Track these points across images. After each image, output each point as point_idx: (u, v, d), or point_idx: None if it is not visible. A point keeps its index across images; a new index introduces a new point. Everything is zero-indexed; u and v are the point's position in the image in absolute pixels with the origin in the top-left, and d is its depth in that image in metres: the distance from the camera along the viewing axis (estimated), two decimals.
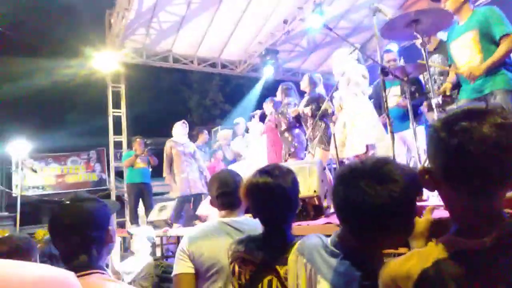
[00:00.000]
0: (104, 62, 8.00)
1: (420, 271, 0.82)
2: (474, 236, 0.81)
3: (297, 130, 4.84)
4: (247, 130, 6.80)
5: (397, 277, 0.85)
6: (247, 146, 6.46)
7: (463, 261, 0.80)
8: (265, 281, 1.46)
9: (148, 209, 6.47)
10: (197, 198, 5.80)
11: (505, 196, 0.85)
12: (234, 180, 1.97)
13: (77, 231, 1.33)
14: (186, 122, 6.02)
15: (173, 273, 1.86)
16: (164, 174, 5.77)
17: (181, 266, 1.83)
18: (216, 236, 1.84)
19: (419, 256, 0.86)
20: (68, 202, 1.42)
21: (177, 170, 5.66)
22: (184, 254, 1.85)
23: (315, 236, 1.30)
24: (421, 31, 2.65)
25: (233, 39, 8.53)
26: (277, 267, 1.44)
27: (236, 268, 1.55)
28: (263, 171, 1.54)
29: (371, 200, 1.00)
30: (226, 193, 1.93)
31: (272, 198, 1.48)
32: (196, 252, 1.82)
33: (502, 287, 0.76)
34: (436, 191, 0.94)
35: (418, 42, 3.01)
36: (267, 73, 8.49)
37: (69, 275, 0.77)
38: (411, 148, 4.00)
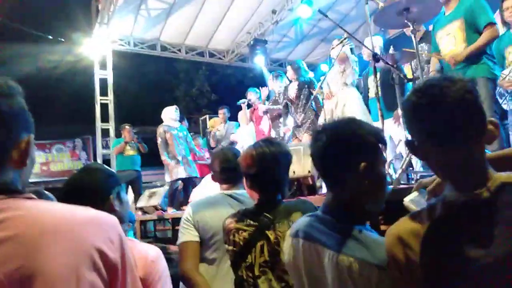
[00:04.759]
0: (91, 48, 7.91)
1: (427, 227, 0.85)
2: (467, 190, 0.83)
3: (288, 117, 4.95)
4: (230, 118, 6.84)
5: (404, 235, 0.87)
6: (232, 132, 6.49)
7: (466, 213, 0.82)
8: (258, 246, 1.53)
9: (137, 196, 6.49)
10: (188, 181, 5.83)
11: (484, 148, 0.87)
12: (235, 156, 2.07)
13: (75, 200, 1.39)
14: (177, 107, 6.07)
15: (179, 241, 1.93)
16: (163, 158, 5.71)
17: (187, 235, 1.90)
18: (219, 206, 1.92)
19: (424, 214, 0.89)
20: (75, 171, 1.55)
21: (172, 154, 5.65)
22: (189, 223, 1.93)
23: (302, 218, 1.31)
24: (412, 19, 2.77)
25: (221, 28, 8.52)
26: (267, 232, 1.53)
27: (230, 237, 1.61)
28: (264, 140, 1.72)
29: (325, 151, 1.15)
30: (228, 169, 2.02)
31: (267, 165, 1.61)
32: (201, 221, 1.90)
33: (503, 235, 0.77)
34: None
35: (408, 30, 3.14)
36: (259, 63, 8.45)
37: (115, 219, 0.85)
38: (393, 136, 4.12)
